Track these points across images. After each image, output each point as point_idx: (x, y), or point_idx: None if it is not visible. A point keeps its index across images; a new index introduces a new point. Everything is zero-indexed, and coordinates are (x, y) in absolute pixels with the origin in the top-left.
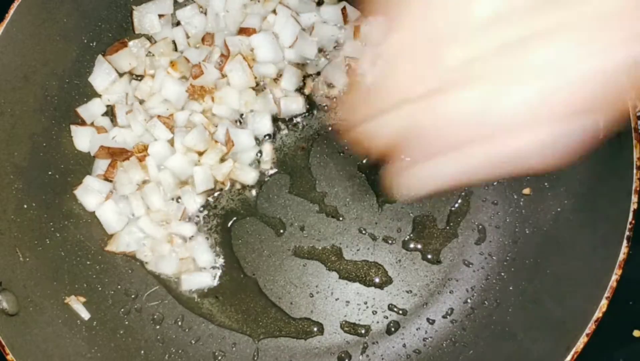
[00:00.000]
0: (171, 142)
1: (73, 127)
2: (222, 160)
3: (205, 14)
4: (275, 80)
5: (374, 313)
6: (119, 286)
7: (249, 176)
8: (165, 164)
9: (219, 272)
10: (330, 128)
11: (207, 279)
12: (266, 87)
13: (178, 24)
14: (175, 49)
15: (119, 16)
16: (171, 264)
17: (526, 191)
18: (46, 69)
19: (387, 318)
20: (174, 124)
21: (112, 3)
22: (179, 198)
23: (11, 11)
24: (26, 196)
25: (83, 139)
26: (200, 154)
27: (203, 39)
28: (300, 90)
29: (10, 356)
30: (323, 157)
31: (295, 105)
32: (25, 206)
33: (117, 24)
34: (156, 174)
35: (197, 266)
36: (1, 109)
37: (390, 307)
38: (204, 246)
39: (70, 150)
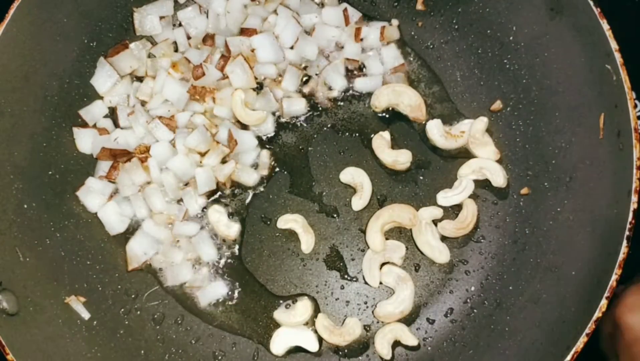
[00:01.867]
0: (173, 143)
1: (75, 129)
2: (224, 161)
3: (206, 14)
4: (276, 81)
5: (374, 313)
6: (119, 286)
7: (251, 178)
8: (167, 165)
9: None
10: (330, 128)
11: (222, 289)
12: (267, 88)
13: (179, 25)
14: (176, 50)
15: (119, 16)
16: (186, 272)
17: (524, 190)
18: (46, 69)
19: None
20: (175, 125)
21: (112, 3)
22: (181, 199)
23: (11, 11)
24: (26, 196)
25: (85, 141)
26: (202, 155)
27: (204, 40)
28: (301, 91)
29: (10, 356)
30: (323, 157)
31: (297, 106)
32: (25, 206)
33: (117, 24)
34: (158, 175)
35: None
36: (1, 109)
37: None
38: (207, 241)
39: (71, 150)
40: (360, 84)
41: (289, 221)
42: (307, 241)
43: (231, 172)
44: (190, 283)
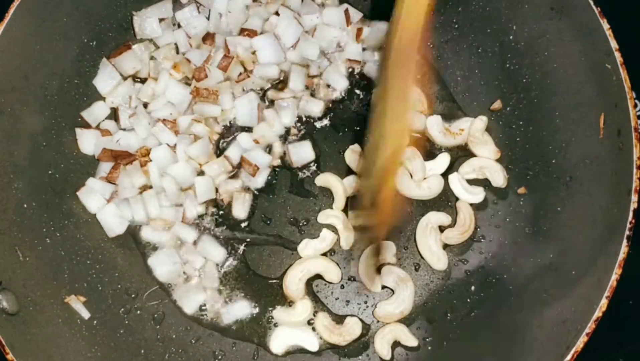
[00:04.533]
0: (173, 148)
1: (78, 130)
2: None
3: (204, 13)
4: (279, 85)
5: (374, 313)
6: (119, 286)
7: (257, 183)
8: (167, 171)
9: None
10: (330, 128)
11: (247, 309)
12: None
13: (179, 26)
14: (178, 51)
15: (119, 16)
16: (197, 300)
17: (521, 190)
18: (46, 69)
19: None
20: (177, 128)
21: (112, 3)
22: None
23: (11, 11)
24: (26, 195)
25: (88, 142)
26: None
27: (204, 39)
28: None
29: (10, 356)
30: (323, 157)
31: (314, 108)
32: (25, 205)
33: (117, 23)
34: (158, 180)
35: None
36: (1, 109)
37: None
38: (212, 243)
39: (71, 150)
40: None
41: (329, 216)
42: (347, 238)
43: (234, 190)
44: (210, 304)
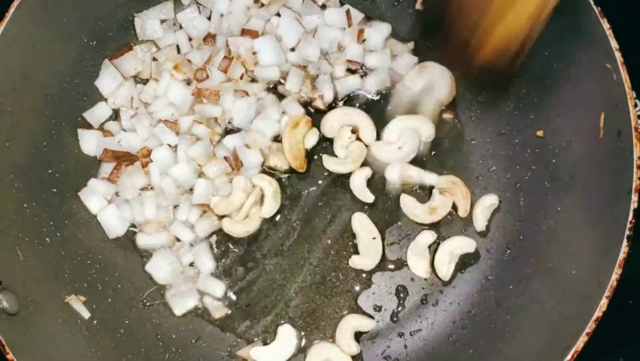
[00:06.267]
0: (174, 148)
1: (80, 131)
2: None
3: (205, 14)
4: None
5: (374, 312)
6: (119, 286)
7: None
8: (169, 172)
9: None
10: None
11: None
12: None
13: (180, 27)
14: (179, 52)
15: (119, 16)
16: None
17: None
18: (46, 69)
19: (387, 317)
20: (179, 129)
21: (112, 3)
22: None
23: (11, 11)
24: (26, 195)
25: (89, 143)
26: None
27: (205, 40)
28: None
29: (10, 356)
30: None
31: (352, 81)
32: (25, 205)
33: (117, 23)
34: (158, 181)
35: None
36: (1, 109)
37: (390, 307)
38: (206, 252)
39: (71, 150)
40: (370, 82)
41: (264, 179)
42: (270, 206)
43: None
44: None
